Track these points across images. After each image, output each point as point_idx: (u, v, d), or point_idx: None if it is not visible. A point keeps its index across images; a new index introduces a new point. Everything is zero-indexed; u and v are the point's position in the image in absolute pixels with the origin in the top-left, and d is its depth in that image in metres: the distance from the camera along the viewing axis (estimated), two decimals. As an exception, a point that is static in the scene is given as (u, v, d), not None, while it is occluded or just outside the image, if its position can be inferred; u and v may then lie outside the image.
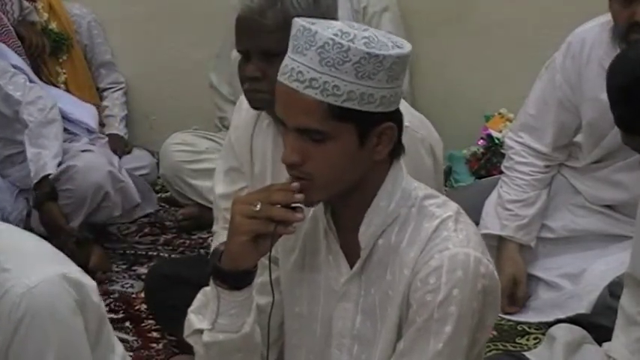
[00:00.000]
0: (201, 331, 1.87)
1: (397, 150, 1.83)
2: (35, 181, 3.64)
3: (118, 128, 4.37)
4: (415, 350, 1.76)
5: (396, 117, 1.79)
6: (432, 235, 1.79)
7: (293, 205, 1.78)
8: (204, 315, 1.87)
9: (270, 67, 2.22)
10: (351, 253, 1.85)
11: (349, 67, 1.70)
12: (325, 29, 1.72)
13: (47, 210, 3.66)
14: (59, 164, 3.66)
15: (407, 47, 1.77)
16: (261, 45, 2.31)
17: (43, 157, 3.64)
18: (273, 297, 1.87)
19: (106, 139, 4.11)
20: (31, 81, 3.80)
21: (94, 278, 3.65)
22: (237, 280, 1.83)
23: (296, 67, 1.72)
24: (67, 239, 3.66)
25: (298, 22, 1.74)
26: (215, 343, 1.86)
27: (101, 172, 3.70)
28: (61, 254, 2.02)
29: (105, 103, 4.43)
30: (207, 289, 1.88)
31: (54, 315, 1.84)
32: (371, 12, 3.95)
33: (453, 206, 1.85)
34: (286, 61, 1.75)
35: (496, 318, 1.89)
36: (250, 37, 2.34)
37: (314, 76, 1.70)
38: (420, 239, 1.79)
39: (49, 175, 3.62)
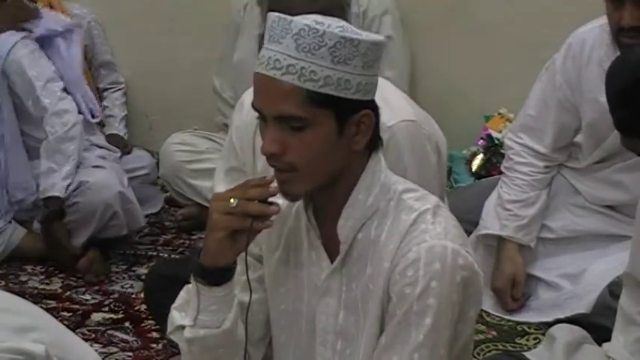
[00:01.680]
0: (183, 328, 1.90)
1: (375, 142, 1.84)
2: (42, 197, 3.68)
3: (117, 128, 4.37)
4: (397, 343, 1.77)
5: (373, 107, 1.81)
6: (409, 228, 1.80)
7: (269, 200, 1.79)
8: (187, 312, 1.90)
9: None
10: (333, 248, 1.86)
11: (325, 51, 1.72)
12: (301, 18, 1.75)
13: (52, 229, 3.69)
14: (69, 185, 3.67)
15: (381, 37, 1.80)
16: None
17: (54, 176, 3.67)
18: (251, 293, 1.88)
19: (115, 155, 4.09)
20: (66, 91, 3.80)
21: (84, 280, 3.69)
22: (217, 276, 1.84)
23: (273, 56, 1.74)
24: (66, 257, 3.70)
25: (273, 14, 1.77)
26: (196, 339, 1.88)
27: (112, 191, 3.71)
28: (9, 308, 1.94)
29: (105, 103, 4.42)
30: (189, 286, 1.90)
31: None
32: (371, 15, 3.93)
33: (431, 199, 1.86)
34: (263, 52, 1.77)
35: (478, 310, 1.90)
36: None
37: (291, 62, 1.72)
38: (399, 232, 1.80)
39: (58, 196, 3.65)
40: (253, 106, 1.80)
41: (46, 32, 3.87)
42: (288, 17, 1.74)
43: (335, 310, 1.87)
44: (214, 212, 1.81)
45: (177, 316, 1.92)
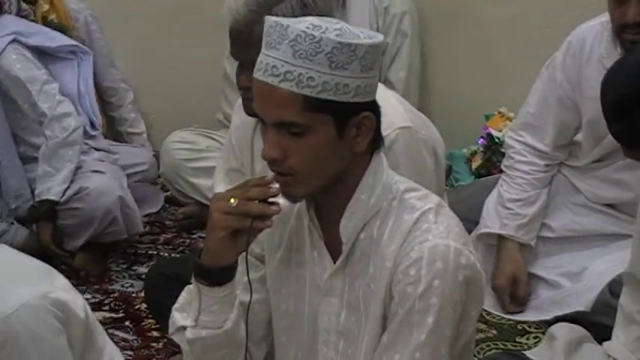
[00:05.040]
0: (184, 328, 1.89)
1: (377, 142, 1.83)
2: (37, 199, 3.67)
3: (143, 142, 4.40)
4: (398, 342, 1.77)
5: (374, 107, 1.80)
6: (412, 228, 1.79)
7: (270, 200, 1.79)
8: (188, 312, 1.89)
9: None
10: (335, 248, 1.86)
11: (322, 57, 1.71)
12: (297, 23, 1.73)
13: (40, 230, 3.69)
14: (66, 189, 3.66)
15: (379, 38, 1.78)
16: (250, 57, 2.31)
17: (51, 180, 3.66)
18: (251, 294, 1.88)
19: (113, 157, 4.08)
20: (63, 93, 3.79)
21: (78, 279, 3.70)
22: (218, 276, 1.84)
23: (270, 62, 1.73)
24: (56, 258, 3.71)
25: (270, 19, 1.76)
26: (198, 339, 1.88)
27: (112, 197, 3.69)
28: (47, 268, 2.00)
29: (117, 114, 4.43)
30: (190, 286, 1.90)
31: (35, 338, 1.83)
32: (393, 12, 3.97)
33: (434, 199, 1.85)
34: (260, 57, 1.76)
35: (480, 309, 1.89)
36: (240, 49, 2.35)
37: (288, 69, 1.71)
38: (401, 231, 1.80)
39: (52, 200, 3.64)
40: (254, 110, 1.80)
41: (54, 46, 3.87)
42: (284, 22, 1.73)
43: (337, 309, 1.87)
44: (214, 212, 1.81)
45: (178, 316, 1.92)
